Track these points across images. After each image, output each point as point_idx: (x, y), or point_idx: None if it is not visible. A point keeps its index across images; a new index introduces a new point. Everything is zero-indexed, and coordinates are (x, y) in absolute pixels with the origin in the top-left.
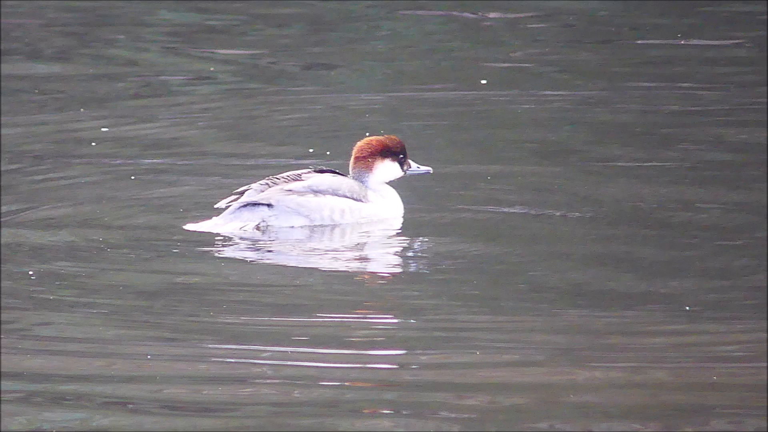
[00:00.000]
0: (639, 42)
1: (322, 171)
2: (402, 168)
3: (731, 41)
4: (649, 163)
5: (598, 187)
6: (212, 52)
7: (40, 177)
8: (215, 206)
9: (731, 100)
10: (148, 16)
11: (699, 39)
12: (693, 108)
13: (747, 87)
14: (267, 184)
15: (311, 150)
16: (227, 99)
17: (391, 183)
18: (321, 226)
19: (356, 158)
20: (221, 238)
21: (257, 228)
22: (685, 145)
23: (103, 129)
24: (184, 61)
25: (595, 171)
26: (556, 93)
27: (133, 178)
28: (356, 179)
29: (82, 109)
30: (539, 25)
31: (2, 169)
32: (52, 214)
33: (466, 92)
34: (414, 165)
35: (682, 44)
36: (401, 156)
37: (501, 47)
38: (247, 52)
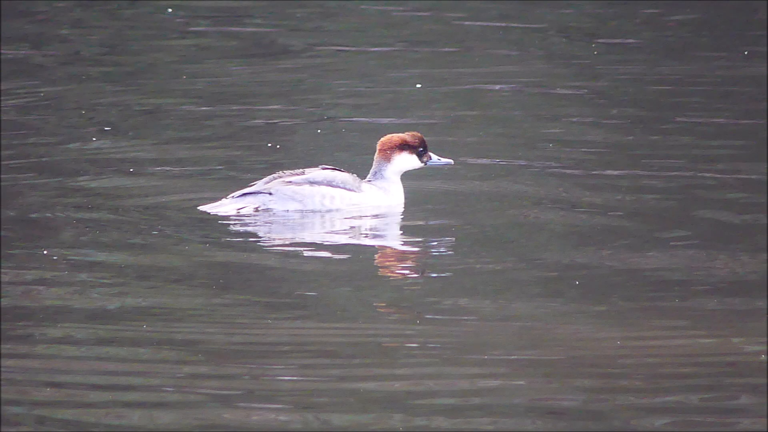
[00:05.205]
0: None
1: (325, 168)
2: (421, 160)
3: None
4: (647, 161)
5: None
6: None
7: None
8: (227, 197)
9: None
10: None
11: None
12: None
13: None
14: (273, 178)
15: None
16: None
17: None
18: (313, 211)
19: (379, 150)
20: (220, 217)
21: (256, 210)
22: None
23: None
24: None
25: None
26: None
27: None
28: (377, 170)
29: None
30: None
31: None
32: (71, 190)
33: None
34: (435, 157)
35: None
36: (420, 149)
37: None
38: None
